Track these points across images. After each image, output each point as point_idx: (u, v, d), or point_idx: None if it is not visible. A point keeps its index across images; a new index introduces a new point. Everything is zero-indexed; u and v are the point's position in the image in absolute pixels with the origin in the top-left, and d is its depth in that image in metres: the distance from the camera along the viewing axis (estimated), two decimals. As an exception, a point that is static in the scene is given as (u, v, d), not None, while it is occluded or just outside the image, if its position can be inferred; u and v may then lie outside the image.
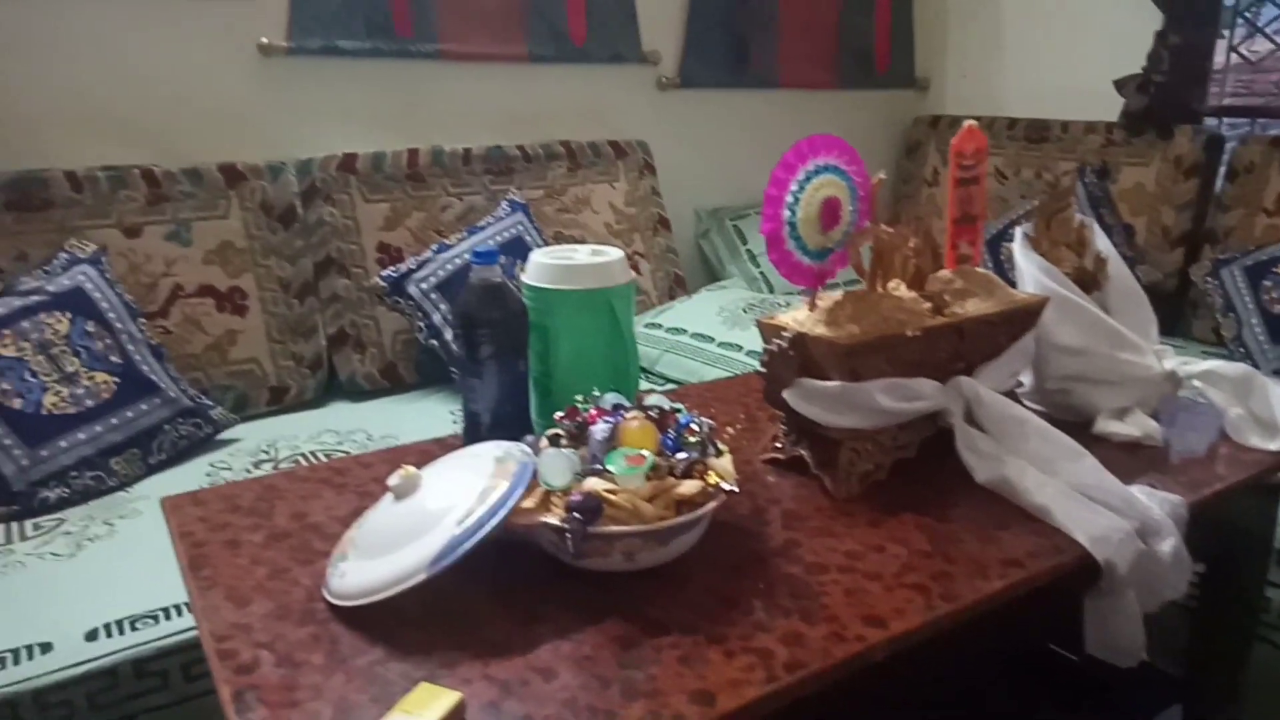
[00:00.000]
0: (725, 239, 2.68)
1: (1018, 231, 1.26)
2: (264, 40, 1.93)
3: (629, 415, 0.85)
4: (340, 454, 1.62)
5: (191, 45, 1.87)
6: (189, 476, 1.54)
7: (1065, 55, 2.71)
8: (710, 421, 0.88)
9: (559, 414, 0.87)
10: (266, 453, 1.63)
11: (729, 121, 2.72)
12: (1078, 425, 1.17)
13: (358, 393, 1.95)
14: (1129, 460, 1.09)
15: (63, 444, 1.44)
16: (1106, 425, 1.17)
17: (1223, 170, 2.37)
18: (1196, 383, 1.20)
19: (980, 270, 1.15)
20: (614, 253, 1.04)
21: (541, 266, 1.01)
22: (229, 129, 1.93)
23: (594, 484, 0.79)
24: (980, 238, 1.17)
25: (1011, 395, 1.18)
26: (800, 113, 2.84)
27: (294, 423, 1.78)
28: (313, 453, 1.63)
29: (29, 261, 1.62)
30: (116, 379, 1.52)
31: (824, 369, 0.98)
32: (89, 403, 1.48)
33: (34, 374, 1.45)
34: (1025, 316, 1.12)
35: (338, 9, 1.98)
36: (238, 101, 1.94)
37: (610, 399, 0.90)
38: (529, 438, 0.89)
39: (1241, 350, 2.03)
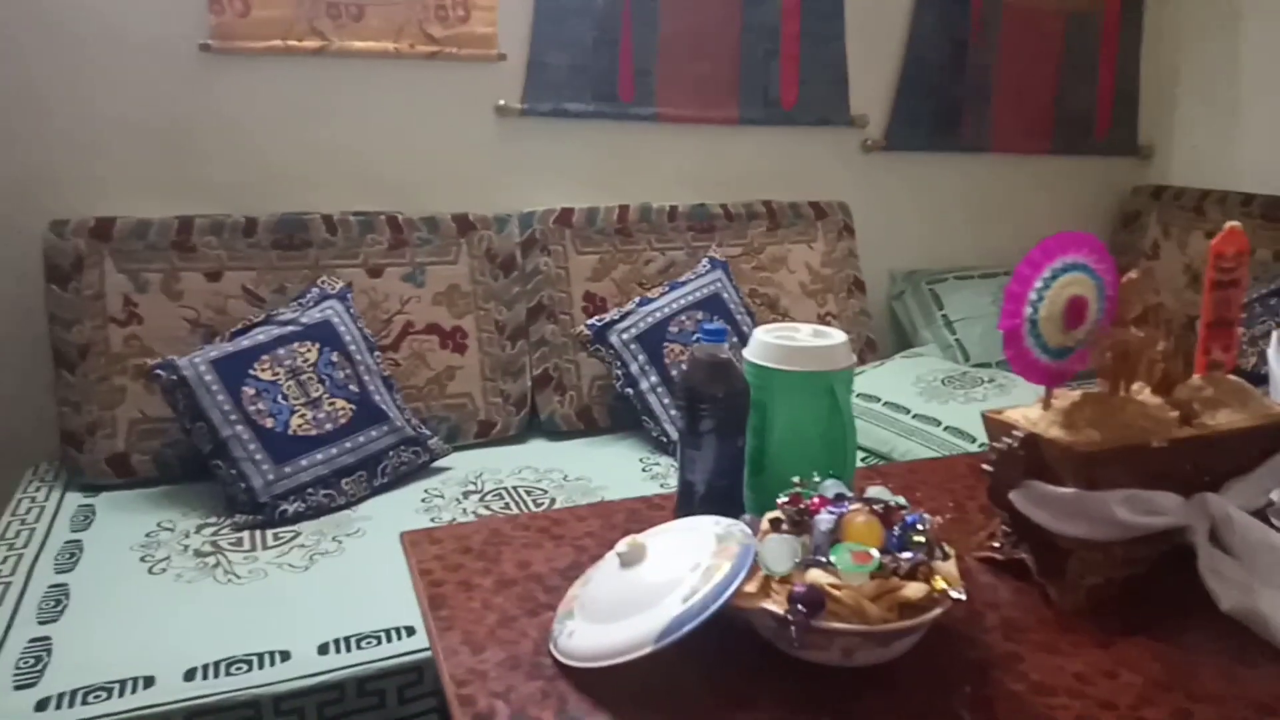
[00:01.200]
0: (920, 302, 2.62)
1: (1274, 335, 1.16)
2: (501, 102, 2.09)
3: (854, 508, 0.85)
4: (539, 490, 1.71)
5: (437, 106, 2.05)
6: (406, 500, 1.66)
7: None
8: (936, 518, 0.87)
9: (781, 498, 0.88)
10: (474, 484, 1.74)
11: (932, 185, 2.66)
12: (1337, 554, 1.06)
13: (555, 432, 2.04)
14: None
15: (304, 463, 1.59)
16: (1374, 559, 1.05)
17: None
18: None
19: (1234, 379, 1.07)
20: (837, 335, 1.05)
21: (765, 345, 1.03)
22: (464, 181, 2.10)
23: (817, 576, 0.80)
24: (1236, 343, 1.09)
25: (1260, 515, 1.09)
26: (1009, 178, 2.75)
27: (498, 456, 1.89)
28: (514, 488, 1.73)
29: (286, 294, 1.81)
30: (353, 406, 1.67)
31: (1058, 474, 0.95)
32: (329, 426, 1.63)
33: (285, 397, 1.62)
34: (1283, 432, 1.04)
35: (569, 76, 2.12)
36: (473, 157, 2.11)
37: (831, 487, 0.90)
38: (747, 517, 0.90)
39: None
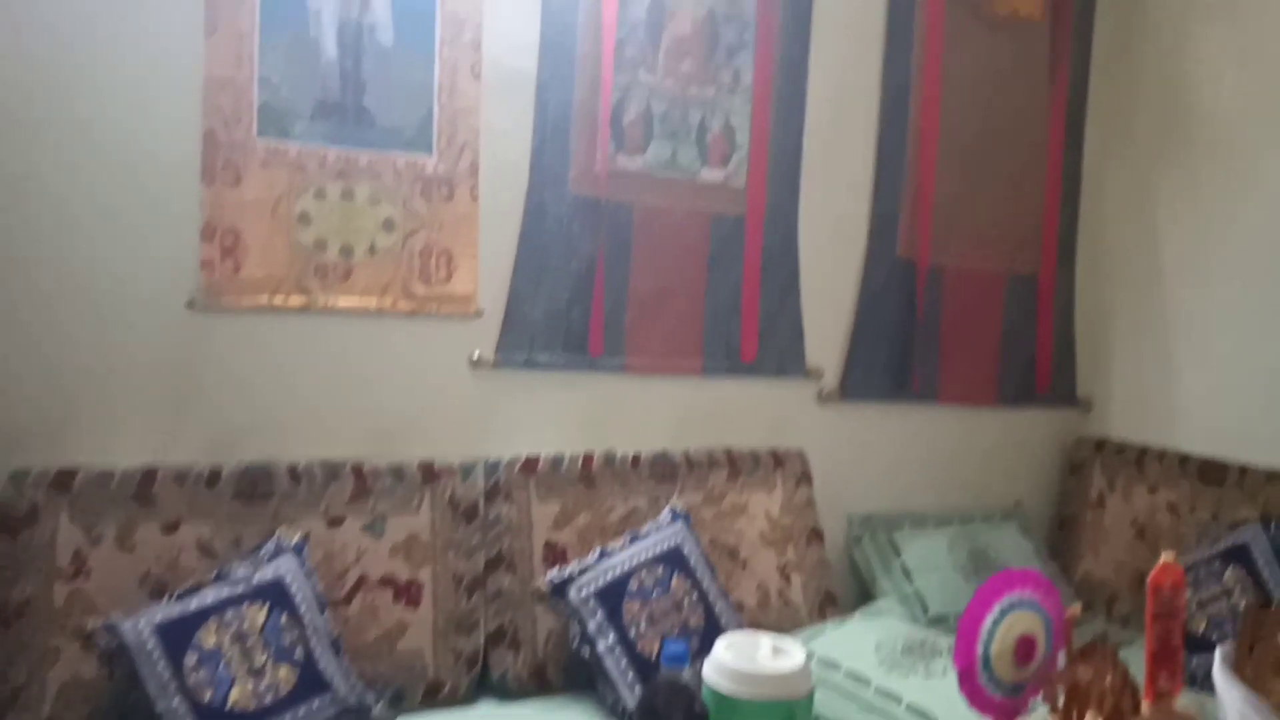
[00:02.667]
0: (878, 550, 2.64)
1: (1218, 653, 1.19)
2: (476, 355, 2.17)
3: None
4: (486, 768, 1.63)
5: (413, 359, 2.12)
6: (343, 778, 1.57)
7: (1242, 392, 2.64)
8: None
9: None
10: (416, 760, 1.65)
11: (887, 433, 2.76)
12: None
13: (506, 693, 1.97)
14: None
15: (238, 739, 1.51)
16: None
17: None
18: None
19: (1182, 711, 1.09)
20: (796, 655, 1.06)
21: (725, 669, 1.04)
22: (435, 430, 2.14)
23: None
24: (1180, 670, 1.12)
25: None
26: (959, 427, 2.87)
27: (444, 722, 1.81)
28: (460, 764, 1.64)
29: (242, 546, 1.79)
30: (297, 674, 1.61)
31: (1018, 823, 0.94)
32: (268, 699, 1.56)
33: (228, 665, 1.56)
34: (1238, 771, 1.04)
35: (543, 330, 2.23)
36: (446, 407, 2.16)
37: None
38: None
39: None
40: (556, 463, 2.17)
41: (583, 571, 1.97)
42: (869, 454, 2.75)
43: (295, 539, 1.79)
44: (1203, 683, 1.85)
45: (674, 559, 2.06)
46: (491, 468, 2.11)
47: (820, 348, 2.64)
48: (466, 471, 2.06)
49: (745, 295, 2.51)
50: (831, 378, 2.68)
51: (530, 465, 2.14)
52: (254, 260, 1.91)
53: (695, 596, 2.03)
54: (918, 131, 2.70)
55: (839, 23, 2.57)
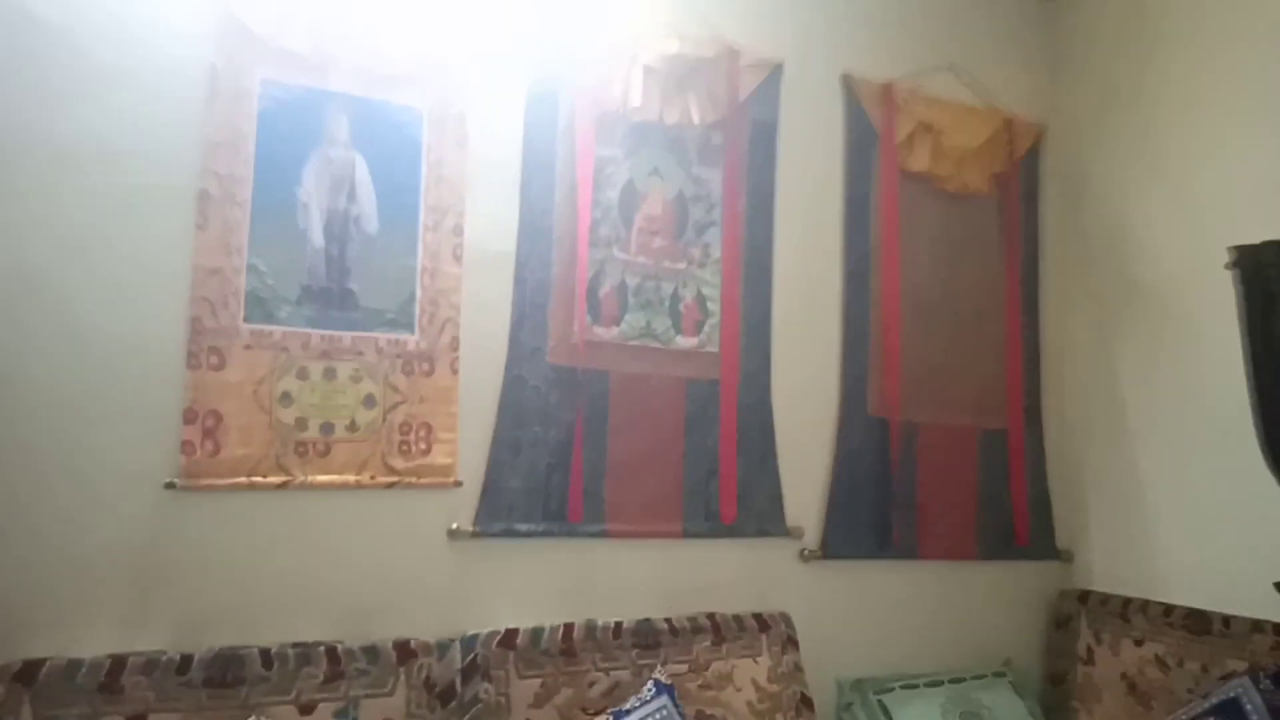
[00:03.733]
0: (869, 714, 2.56)
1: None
2: (454, 526, 2.17)
3: None
4: None
5: (391, 532, 2.12)
6: None
7: (1215, 543, 2.66)
8: None
9: None
10: None
11: (871, 592, 2.74)
12: None
13: None
14: None
15: None
16: None
17: None
18: None
19: None
20: None
21: None
22: (412, 604, 2.11)
23: None
24: None
25: None
26: (943, 583, 2.85)
27: None
28: None
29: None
30: None
31: None
32: None
33: None
34: None
35: (521, 499, 2.24)
36: (423, 580, 2.15)
37: None
38: None
39: None
40: (536, 635, 2.13)
41: (564, 755, 1.91)
42: (855, 614, 2.72)
43: (266, 730, 1.73)
44: None
45: (661, 736, 2.00)
46: (469, 643, 2.06)
47: (800, 507, 2.66)
48: (443, 649, 2.02)
49: (723, 457, 2.54)
50: (813, 537, 2.68)
51: (509, 639, 2.10)
52: (234, 440, 1.93)
53: (682, 777, 1.96)
54: (880, 298, 2.83)
55: (801, 199, 2.73)
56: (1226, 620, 2.52)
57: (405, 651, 1.97)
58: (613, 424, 2.39)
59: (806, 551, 2.66)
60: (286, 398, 2.00)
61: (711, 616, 2.40)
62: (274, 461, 1.96)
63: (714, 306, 2.56)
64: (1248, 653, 2.44)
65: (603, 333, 2.39)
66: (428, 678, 1.96)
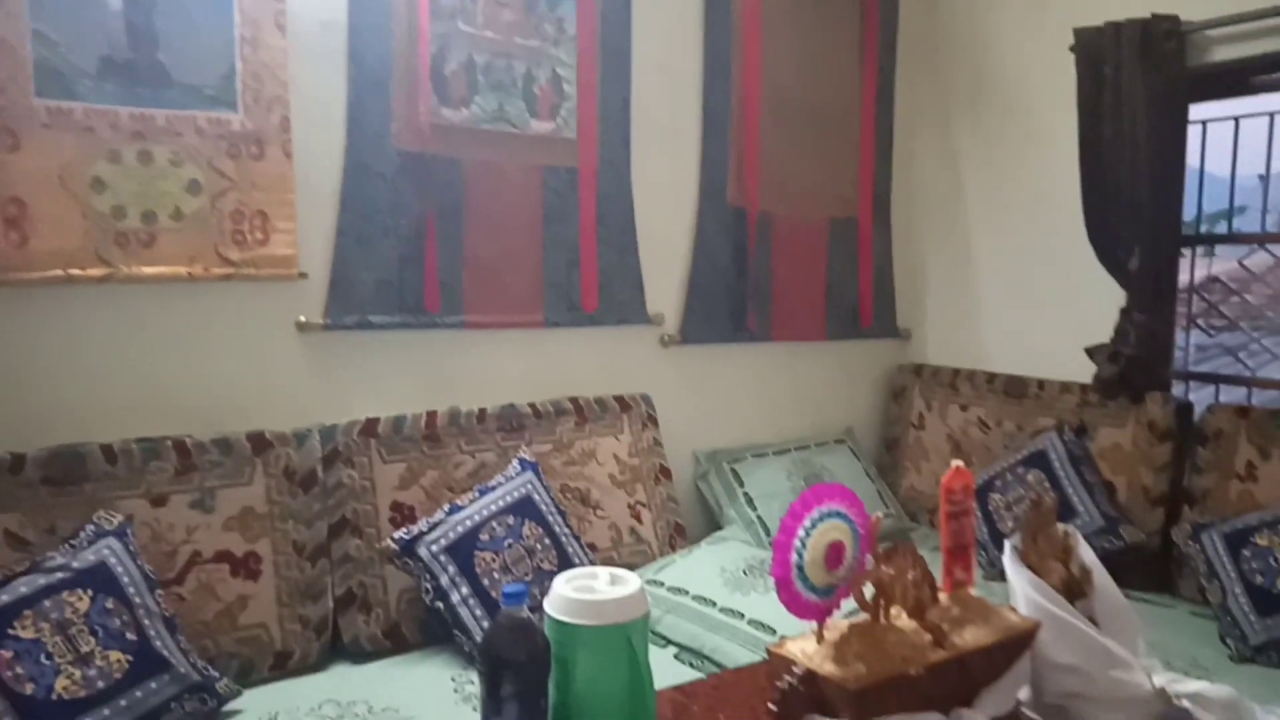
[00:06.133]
0: (723, 481, 2.76)
1: (1007, 545, 1.33)
2: (302, 319, 2.09)
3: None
4: (341, 730, 1.62)
5: (233, 327, 2.03)
6: (189, 759, 1.53)
7: (1037, 317, 2.92)
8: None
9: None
10: (267, 729, 1.63)
11: (727, 373, 2.88)
12: (1078, 742, 1.20)
13: (361, 654, 1.95)
14: (1131, 793, 1.11)
15: (68, 731, 1.44)
16: (1105, 747, 1.20)
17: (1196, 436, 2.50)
18: (1186, 703, 1.24)
19: (975, 595, 1.22)
20: (632, 582, 1.11)
21: (564, 600, 1.08)
22: (264, 400, 2.06)
23: None
24: (973, 564, 1.25)
25: (1015, 712, 1.22)
26: (793, 363, 3.02)
27: (296, 691, 1.78)
28: (313, 729, 1.63)
29: (57, 534, 1.68)
30: (130, 657, 1.54)
31: (835, 708, 1.03)
32: (100, 684, 1.49)
33: (49, 656, 1.47)
34: (1020, 641, 1.18)
35: (374, 291, 2.17)
36: (271, 374, 2.08)
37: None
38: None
39: (1229, 619, 2.07)
40: (398, 423, 2.14)
41: (432, 528, 1.97)
42: (711, 394, 2.86)
43: (116, 522, 1.70)
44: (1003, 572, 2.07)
45: (524, 508, 2.09)
46: (329, 433, 2.05)
47: (660, 295, 2.71)
48: (301, 439, 2.00)
49: (584, 247, 2.53)
50: (672, 323, 2.75)
51: (370, 427, 2.10)
52: (45, 231, 1.76)
53: (548, 542, 2.07)
54: (741, 89, 2.78)
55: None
56: (1041, 384, 2.81)
57: (260, 442, 1.94)
58: (468, 214, 2.31)
59: (666, 337, 2.74)
60: (99, 184, 1.82)
61: (575, 400, 2.47)
62: (93, 253, 1.81)
63: (570, 89, 2.46)
64: (1057, 411, 2.73)
65: (452, 115, 2.26)
66: (287, 466, 1.96)
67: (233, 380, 2.03)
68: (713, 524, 2.72)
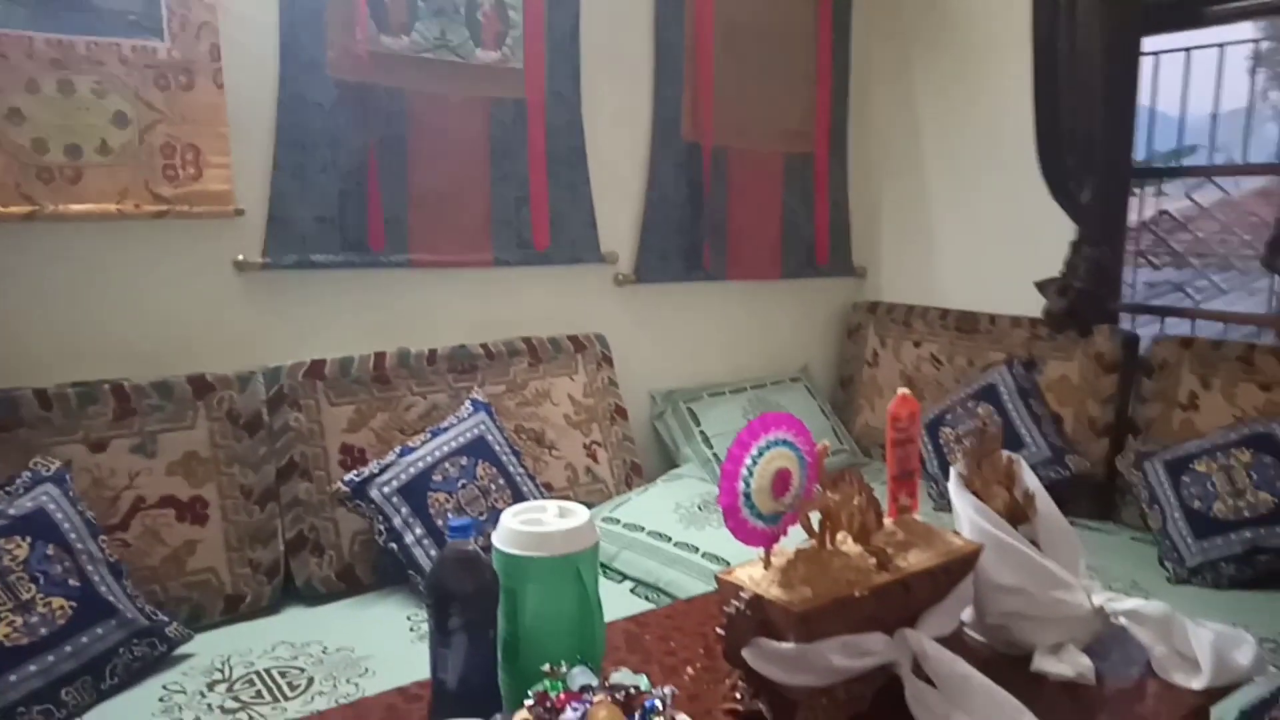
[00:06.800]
0: (680, 420, 2.77)
1: (952, 471, 1.35)
2: (240, 258, 2.02)
3: (597, 700, 0.89)
4: (295, 670, 1.61)
5: (168, 266, 1.95)
6: (141, 702, 1.51)
7: (990, 254, 2.94)
8: (672, 690, 0.93)
9: (528, 699, 0.91)
10: (220, 671, 1.61)
11: (682, 312, 2.86)
12: (1018, 659, 1.24)
13: (315, 597, 1.94)
14: (1069, 705, 1.15)
15: (12, 678, 1.41)
16: (1043, 663, 1.23)
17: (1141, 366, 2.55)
18: (1123, 619, 1.28)
19: (918, 520, 1.24)
20: (580, 514, 1.11)
21: (511, 532, 1.07)
22: (203, 342, 2.00)
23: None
24: (918, 490, 1.27)
25: (958, 632, 1.25)
26: (748, 302, 3.02)
27: (248, 634, 1.76)
28: (267, 670, 1.62)
29: (-9, 482, 1.63)
30: (73, 603, 1.51)
31: (781, 630, 1.04)
32: (43, 631, 1.46)
33: (-12, 604, 1.44)
34: (963, 564, 1.20)
35: (315, 228, 2.10)
36: (210, 315, 2.02)
37: (578, 676, 0.94)
38: (498, 717, 0.92)
39: (1168, 543, 2.14)
40: (345, 365, 2.10)
41: (383, 470, 1.95)
42: (667, 333, 2.85)
43: (54, 468, 1.65)
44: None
45: (478, 448, 2.07)
46: (273, 375, 2.01)
47: (613, 233, 2.67)
48: (245, 382, 1.95)
49: (533, 183, 2.47)
50: (626, 262, 2.72)
51: (316, 369, 2.05)
52: (-42, 165, 1.68)
53: (502, 482, 2.06)
54: (694, 20, 2.71)
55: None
56: (992, 319, 2.83)
57: (202, 385, 1.89)
58: (411, 147, 2.24)
59: (620, 276, 2.71)
60: (16, 115, 1.72)
61: (528, 340, 2.44)
62: (14, 189, 1.72)
63: (516, 16, 2.37)
64: (1007, 345, 2.77)
65: (391, 43, 2.17)
66: (230, 410, 1.91)
67: (171, 322, 1.97)
68: (669, 463, 2.73)
